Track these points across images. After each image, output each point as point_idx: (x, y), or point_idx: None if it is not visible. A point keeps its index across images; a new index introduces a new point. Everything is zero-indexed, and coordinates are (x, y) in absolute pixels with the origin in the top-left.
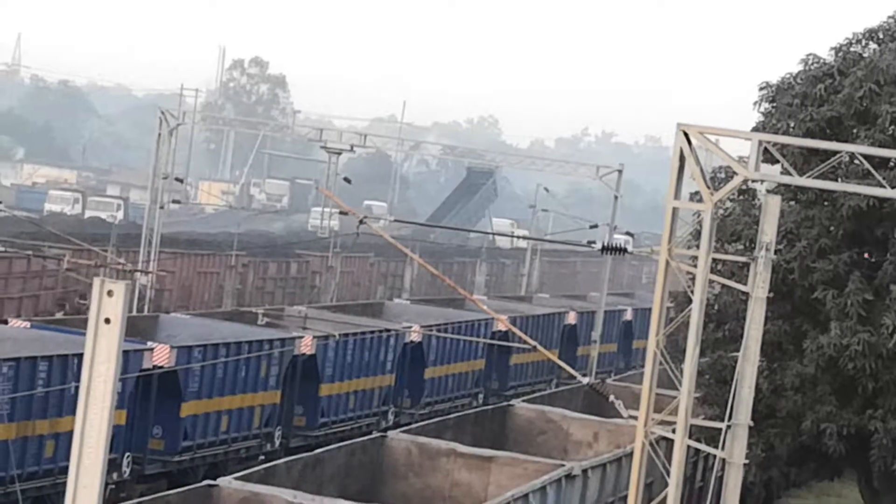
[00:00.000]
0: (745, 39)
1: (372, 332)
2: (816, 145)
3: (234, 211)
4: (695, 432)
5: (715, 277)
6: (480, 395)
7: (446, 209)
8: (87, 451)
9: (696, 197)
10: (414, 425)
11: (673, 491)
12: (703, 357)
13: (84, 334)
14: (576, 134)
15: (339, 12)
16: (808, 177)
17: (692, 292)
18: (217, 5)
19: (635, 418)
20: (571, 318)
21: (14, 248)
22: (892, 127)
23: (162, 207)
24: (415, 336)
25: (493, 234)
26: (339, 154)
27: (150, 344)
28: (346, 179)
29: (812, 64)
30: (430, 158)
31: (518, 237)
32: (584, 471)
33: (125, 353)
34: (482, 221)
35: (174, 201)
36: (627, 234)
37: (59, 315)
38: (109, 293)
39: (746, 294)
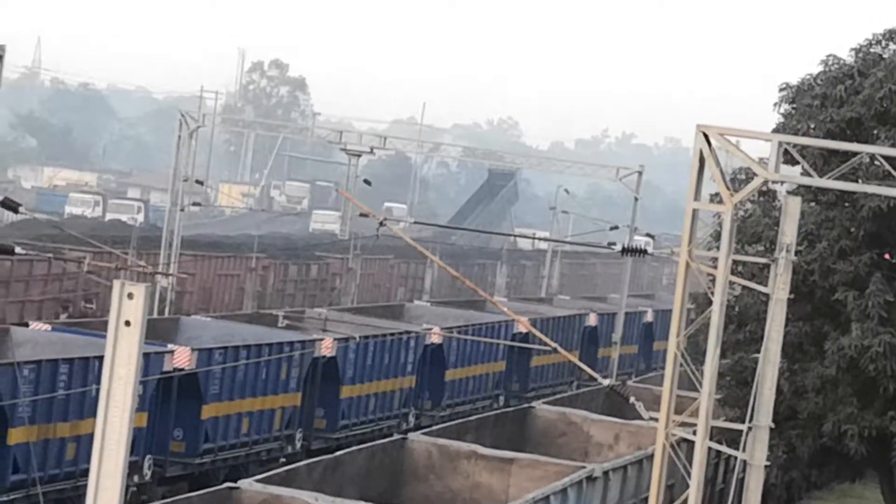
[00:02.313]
0: (765, 41)
1: (392, 334)
2: (836, 146)
3: (254, 213)
4: (716, 434)
5: (735, 279)
6: (501, 397)
7: (467, 211)
8: (107, 453)
9: (716, 198)
10: (434, 427)
11: (694, 493)
12: (723, 358)
13: (105, 337)
14: (596, 135)
15: (359, 15)
16: (829, 178)
17: (712, 294)
18: (237, 8)
19: (656, 420)
20: (592, 320)
21: (35, 250)
22: None
23: (182, 210)
24: (435, 338)
25: (514, 235)
26: (359, 156)
27: (170, 346)
28: (367, 181)
29: (832, 65)
30: (450, 160)
31: (538, 239)
32: (605, 473)
33: (146, 355)
34: (504, 223)
35: (194, 204)
36: (648, 235)
37: (63, 318)
38: (130, 296)
39: (767, 295)
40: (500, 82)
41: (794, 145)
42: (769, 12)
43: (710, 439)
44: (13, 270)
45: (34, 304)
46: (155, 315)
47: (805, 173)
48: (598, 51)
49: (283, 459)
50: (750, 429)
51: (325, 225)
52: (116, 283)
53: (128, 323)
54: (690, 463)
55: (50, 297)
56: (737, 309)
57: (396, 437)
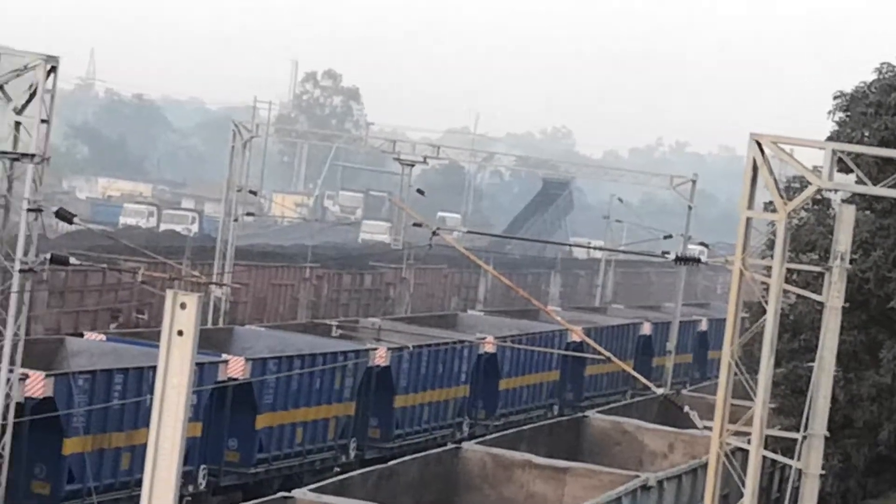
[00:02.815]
0: (819, 49)
1: (446, 343)
2: (891, 154)
3: (308, 223)
4: (770, 443)
5: (789, 287)
6: (555, 407)
7: (522, 220)
8: (161, 463)
9: (769, 207)
10: (489, 436)
11: (748, 502)
12: (778, 367)
13: (158, 346)
14: (649, 144)
15: (411, 25)
16: (883, 186)
17: (766, 302)
18: (290, 18)
19: (710, 429)
20: (646, 329)
21: (89, 261)
22: None
23: (236, 220)
24: (489, 347)
25: (570, 245)
26: (413, 166)
27: (224, 356)
28: (420, 191)
29: (886, 73)
30: (504, 169)
31: (594, 248)
32: (660, 482)
33: (200, 365)
34: (558, 232)
35: (248, 214)
36: (702, 244)
37: (113, 327)
38: (182, 305)
39: (821, 304)
40: (554, 91)
41: (848, 153)
42: (825, 20)
43: (765, 448)
44: (68, 281)
45: (89, 314)
46: (209, 325)
47: (859, 181)
48: (651, 59)
49: (337, 469)
50: (805, 437)
51: (375, 235)
52: (169, 293)
53: (180, 332)
54: (745, 472)
55: (104, 308)
56: (791, 317)
57: (450, 446)
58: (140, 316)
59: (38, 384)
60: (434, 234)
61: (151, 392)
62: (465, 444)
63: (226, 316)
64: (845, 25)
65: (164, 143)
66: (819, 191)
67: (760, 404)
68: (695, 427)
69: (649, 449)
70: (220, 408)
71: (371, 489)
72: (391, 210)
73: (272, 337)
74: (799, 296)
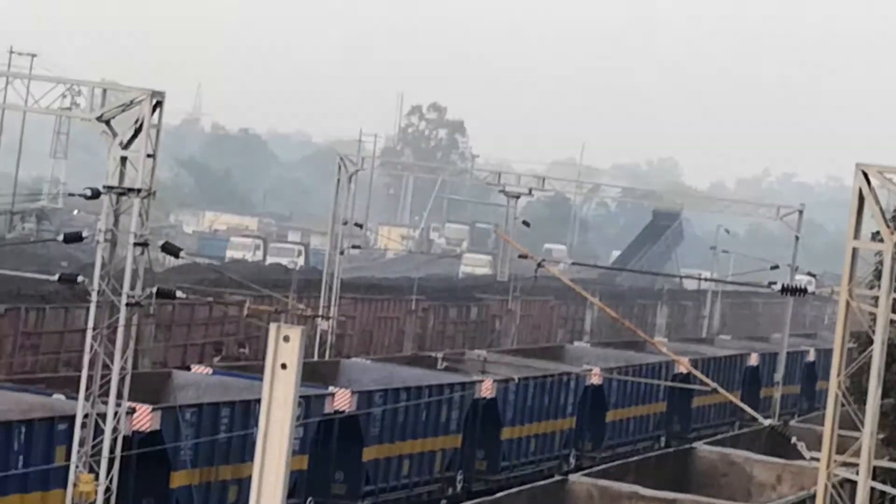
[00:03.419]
0: None
1: (552, 375)
2: None
3: (413, 255)
4: (879, 474)
5: None
6: (662, 438)
7: (632, 252)
8: (265, 496)
9: (876, 237)
10: (595, 468)
11: None
12: (886, 398)
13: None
14: (756, 174)
15: (515, 57)
16: None
17: (874, 332)
18: (395, 51)
19: (818, 460)
20: (753, 360)
21: (196, 294)
22: None
23: (342, 253)
24: (595, 379)
25: (680, 276)
26: (518, 197)
27: (331, 389)
28: (525, 223)
29: None
30: (610, 201)
31: (703, 279)
32: None
33: (307, 398)
34: (668, 264)
35: (354, 247)
36: (809, 274)
37: (215, 361)
38: (286, 338)
39: None
40: (660, 121)
41: None
42: None
43: (873, 479)
44: (175, 314)
45: (195, 347)
46: (315, 358)
47: None
48: (757, 89)
49: (444, 502)
50: None
51: (476, 269)
52: (273, 327)
53: (284, 366)
54: (854, 503)
55: (211, 341)
56: None
57: (557, 478)
58: (242, 350)
59: (145, 417)
60: (539, 265)
61: (258, 425)
62: (571, 476)
63: (332, 349)
64: None
65: (270, 177)
66: None
67: (868, 435)
68: (803, 458)
69: (757, 480)
70: (327, 440)
71: None
72: (497, 242)
73: (378, 369)
74: None
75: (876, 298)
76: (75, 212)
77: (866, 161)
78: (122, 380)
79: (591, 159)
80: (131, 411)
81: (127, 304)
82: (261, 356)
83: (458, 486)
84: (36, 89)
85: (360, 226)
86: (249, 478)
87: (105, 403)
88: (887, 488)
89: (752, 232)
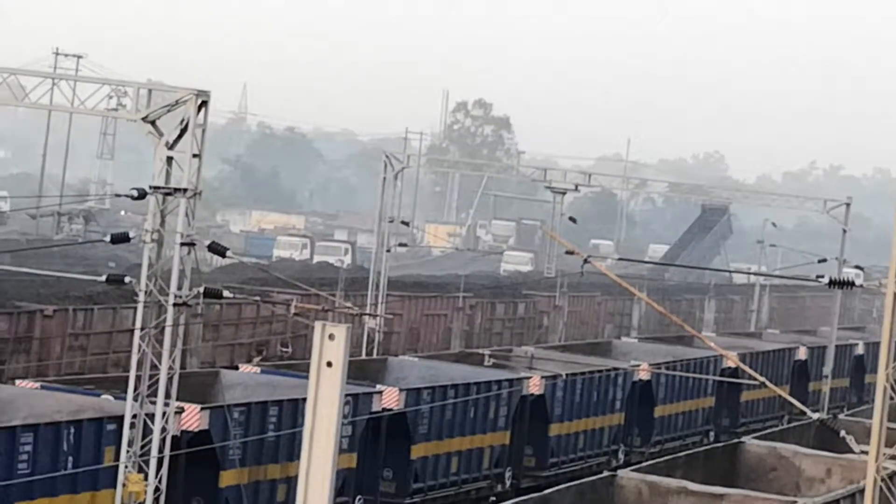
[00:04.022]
0: None
1: (600, 371)
2: None
3: (460, 253)
4: None
5: None
6: (711, 433)
7: (681, 247)
8: (312, 494)
9: None
10: (644, 464)
11: None
12: None
13: None
14: (803, 168)
15: (560, 53)
16: None
17: None
18: (439, 49)
19: (867, 453)
20: (802, 354)
21: (243, 294)
22: None
23: (389, 251)
24: (644, 374)
25: (730, 271)
26: (564, 194)
27: (379, 387)
28: (572, 219)
29: None
30: (656, 196)
31: (752, 273)
32: None
33: (355, 396)
34: (717, 258)
35: (401, 244)
36: (857, 267)
37: (256, 361)
38: (331, 337)
39: None
40: (706, 116)
41: None
42: None
43: None
44: (222, 314)
45: (243, 346)
46: (363, 356)
47: None
48: (803, 83)
49: (492, 498)
50: None
51: (518, 266)
52: (318, 325)
53: (329, 364)
54: None
55: (258, 340)
56: None
57: (606, 474)
58: (284, 350)
59: (193, 417)
60: (586, 261)
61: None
62: (620, 472)
63: (379, 347)
64: None
65: (316, 175)
66: None
67: None
68: (852, 452)
69: (806, 475)
70: (375, 438)
71: None
72: (543, 238)
73: (426, 367)
74: None
75: None
76: (122, 212)
77: None
78: (170, 379)
79: (637, 155)
80: (180, 411)
81: (174, 304)
82: (308, 355)
83: (507, 483)
84: (82, 90)
85: (407, 224)
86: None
87: (153, 403)
88: None
89: (799, 226)
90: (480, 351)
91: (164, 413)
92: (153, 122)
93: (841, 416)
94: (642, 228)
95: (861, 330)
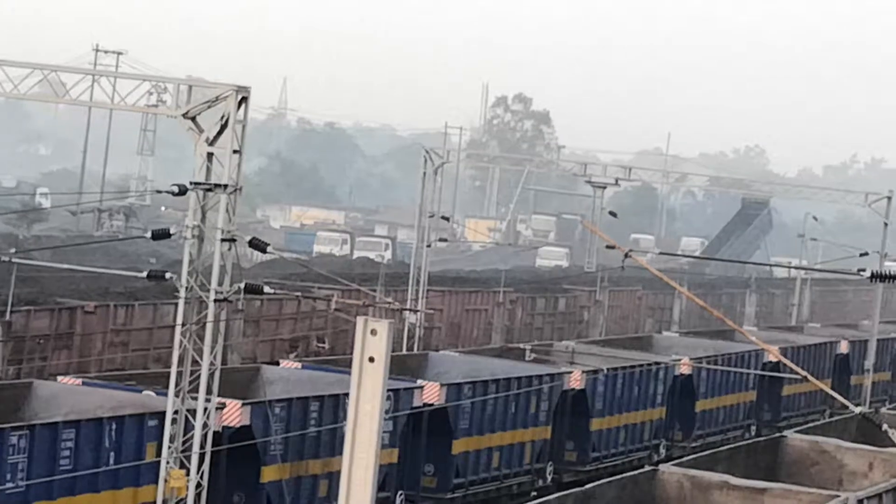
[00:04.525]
0: None
1: (641, 365)
2: None
3: (501, 247)
4: None
5: None
6: (753, 427)
7: (721, 241)
8: (355, 489)
9: None
10: (685, 458)
11: None
12: None
13: None
14: (844, 161)
15: (601, 48)
16: None
17: None
18: (479, 43)
19: None
20: (843, 348)
21: (284, 289)
22: None
23: (429, 246)
24: (685, 369)
25: (770, 265)
26: (605, 188)
27: (420, 382)
28: (612, 213)
29: None
30: (697, 190)
31: (793, 267)
32: (860, 501)
33: (396, 391)
34: (757, 252)
35: (441, 240)
36: None
37: (291, 357)
38: (373, 332)
39: None
40: (746, 109)
41: None
42: None
43: None
44: (263, 310)
45: (284, 342)
46: (404, 351)
47: None
48: (844, 74)
49: (534, 493)
50: None
51: (553, 262)
52: (360, 320)
53: (371, 359)
54: None
55: (295, 336)
56: None
57: (647, 468)
58: (320, 345)
59: (235, 413)
60: (626, 256)
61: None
62: (661, 466)
63: (420, 342)
64: None
65: (356, 171)
66: None
67: None
68: (894, 445)
69: (848, 468)
70: (417, 434)
71: None
72: (584, 233)
73: (467, 362)
74: None
75: None
76: (163, 208)
77: None
78: (211, 375)
79: (677, 148)
80: (221, 406)
81: (215, 300)
82: (348, 350)
83: (549, 478)
84: (122, 87)
85: (447, 218)
86: (340, 471)
87: (195, 399)
88: None
89: (840, 219)
90: (521, 346)
91: (205, 409)
92: (193, 119)
93: (883, 410)
94: (682, 222)
95: None
